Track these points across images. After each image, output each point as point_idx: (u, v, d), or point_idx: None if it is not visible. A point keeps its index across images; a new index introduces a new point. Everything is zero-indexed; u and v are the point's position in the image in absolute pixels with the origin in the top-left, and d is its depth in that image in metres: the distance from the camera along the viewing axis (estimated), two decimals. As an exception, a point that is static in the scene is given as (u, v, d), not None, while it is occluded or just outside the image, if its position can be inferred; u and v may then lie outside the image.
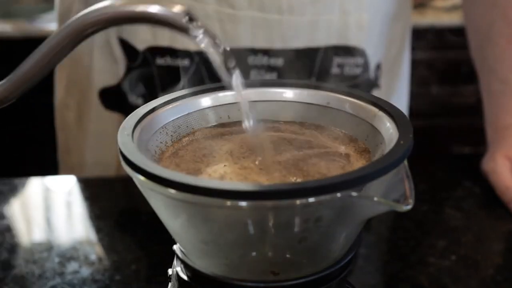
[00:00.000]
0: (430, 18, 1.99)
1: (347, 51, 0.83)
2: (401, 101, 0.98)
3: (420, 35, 1.89)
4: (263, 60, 0.81)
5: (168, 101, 0.46)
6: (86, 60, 0.89)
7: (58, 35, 0.36)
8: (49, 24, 1.85)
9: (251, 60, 0.81)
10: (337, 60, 0.83)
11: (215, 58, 0.39)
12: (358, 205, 0.35)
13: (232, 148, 0.44)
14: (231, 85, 0.40)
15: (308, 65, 0.82)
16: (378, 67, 0.88)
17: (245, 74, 0.81)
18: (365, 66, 0.86)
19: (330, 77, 0.83)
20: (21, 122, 1.96)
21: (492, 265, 0.66)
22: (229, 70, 0.39)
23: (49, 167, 1.06)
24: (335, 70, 0.83)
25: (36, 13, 1.97)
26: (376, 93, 0.88)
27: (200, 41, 0.38)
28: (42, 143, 1.48)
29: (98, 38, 0.86)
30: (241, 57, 0.81)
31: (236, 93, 0.41)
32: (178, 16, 0.36)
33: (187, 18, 0.37)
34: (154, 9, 0.36)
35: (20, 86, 0.36)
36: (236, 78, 0.40)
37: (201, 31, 0.37)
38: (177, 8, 0.36)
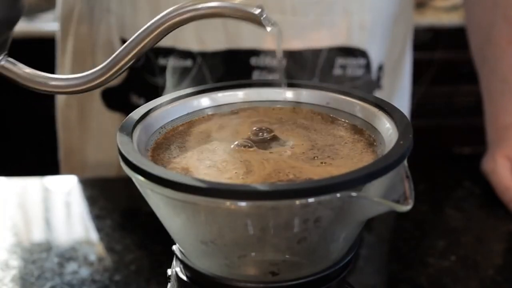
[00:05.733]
0: (430, 18, 1.99)
1: (350, 52, 0.83)
2: (403, 101, 0.98)
3: (420, 35, 1.89)
4: (266, 60, 0.81)
5: (167, 101, 0.46)
6: (89, 60, 0.89)
7: (147, 29, 0.43)
8: (49, 24, 1.85)
9: (254, 61, 0.81)
10: (339, 61, 0.83)
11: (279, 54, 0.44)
12: (357, 205, 0.35)
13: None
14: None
15: (311, 66, 0.82)
16: (380, 68, 0.89)
17: (248, 75, 0.81)
18: (368, 67, 0.86)
19: (332, 78, 0.83)
20: (21, 122, 1.96)
21: (492, 265, 0.66)
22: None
23: (49, 167, 1.06)
24: (337, 71, 0.83)
25: (36, 13, 1.97)
26: (378, 93, 0.88)
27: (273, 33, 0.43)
28: (42, 143, 1.48)
29: (100, 39, 0.86)
30: (243, 58, 0.81)
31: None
32: (253, 10, 0.42)
33: (260, 11, 0.42)
34: (230, 5, 0.42)
35: (116, 71, 0.44)
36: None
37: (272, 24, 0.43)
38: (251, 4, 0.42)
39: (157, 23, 0.42)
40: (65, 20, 0.92)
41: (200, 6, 0.41)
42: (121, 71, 0.44)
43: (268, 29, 0.42)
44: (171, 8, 0.42)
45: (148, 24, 0.43)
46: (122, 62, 0.43)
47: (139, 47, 0.43)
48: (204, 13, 0.41)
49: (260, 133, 0.43)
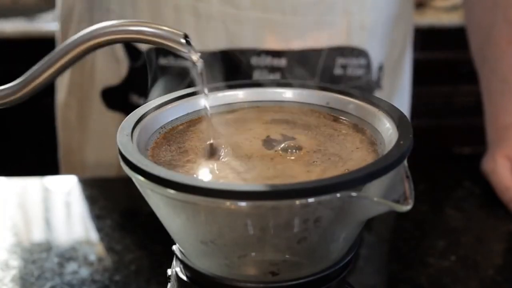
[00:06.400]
0: (430, 18, 1.99)
1: (350, 52, 0.83)
2: (403, 101, 0.98)
3: (420, 35, 1.89)
4: (266, 60, 0.81)
5: (167, 101, 0.46)
6: (89, 60, 0.89)
7: (61, 50, 0.40)
8: (49, 24, 1.85)
9: (254, 60, 0.81)
10: (340, 61, 0.83)
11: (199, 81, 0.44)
12: (357, 205, 0.35)
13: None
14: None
15: (311, 66, 0.82)
16: (380, 68, 0.89)
17: (248, 75, 0.81)
18: (368, 67, 0.86)
19: (333, 78, 0.83)
20: (21, 122, 1.96)
21: (492, 265, 0.66)
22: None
23: (49, 167, 1.06)
24: (338, 71, 0.83)
25: (36, 13, 1.97)
26: (378, 94, 0.88)
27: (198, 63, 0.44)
28: (42, 143, 1.48)
29: None
30: (244, 58, 0.81)
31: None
32: (177, 37, 0.42)
33: (184, 40, 0.42)
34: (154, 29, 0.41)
35: (29, 90, 0.41)
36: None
37: (198, 55, 0.44)
38: (175, 30, 0.42)
39: (74, 43, 0.39)
40: (65, 20, 0.92)
41: (120, 28, 0.39)
42: (33, 92, 0.40)
43: (194, 58, 0.43)
44: (94, 27, 0.40)
45: (65, 43, 0.40)
46: (34, 84, 0.40)
47: (53, 69, 0.40)
48: (123, 37, 0.40)
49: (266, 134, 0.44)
